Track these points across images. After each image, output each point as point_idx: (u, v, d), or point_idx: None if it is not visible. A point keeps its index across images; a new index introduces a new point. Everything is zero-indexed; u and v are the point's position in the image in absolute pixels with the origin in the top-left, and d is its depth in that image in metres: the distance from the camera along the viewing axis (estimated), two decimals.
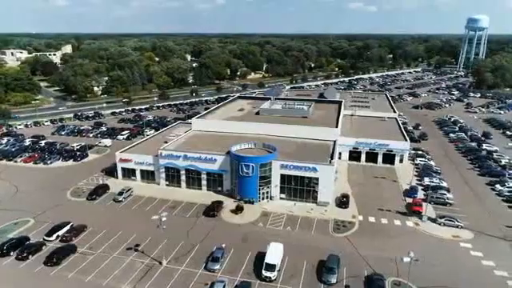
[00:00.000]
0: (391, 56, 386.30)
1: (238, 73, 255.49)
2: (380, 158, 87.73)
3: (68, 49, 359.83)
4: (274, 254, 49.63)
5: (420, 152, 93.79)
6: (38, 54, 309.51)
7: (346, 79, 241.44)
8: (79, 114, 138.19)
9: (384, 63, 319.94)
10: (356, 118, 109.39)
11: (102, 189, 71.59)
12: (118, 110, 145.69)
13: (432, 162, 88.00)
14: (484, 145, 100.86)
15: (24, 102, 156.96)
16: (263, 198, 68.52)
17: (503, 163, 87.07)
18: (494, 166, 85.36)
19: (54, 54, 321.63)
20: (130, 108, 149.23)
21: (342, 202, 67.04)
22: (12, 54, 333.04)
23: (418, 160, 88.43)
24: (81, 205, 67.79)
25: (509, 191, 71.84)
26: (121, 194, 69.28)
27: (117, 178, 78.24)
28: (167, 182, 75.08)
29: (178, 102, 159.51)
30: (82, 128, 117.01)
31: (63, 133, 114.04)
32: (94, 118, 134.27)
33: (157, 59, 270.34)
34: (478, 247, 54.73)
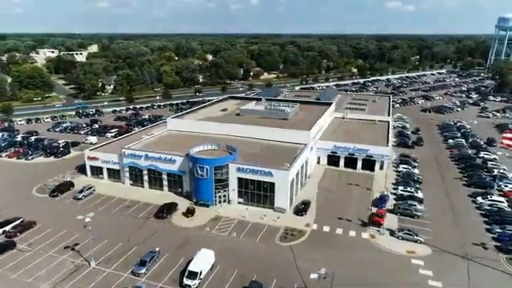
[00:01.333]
0: (418, 57, 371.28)
1: (252, 73, 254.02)
2: (359, 164, 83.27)
3: (94, 48, 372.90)
4: (201, 261, 47.60)
5: (405, 159, 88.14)
6: (64, 53, 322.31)
7: (361, 80, 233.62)
8: (81, 111, 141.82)
9: (406, 64, 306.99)
10: (346, 121, 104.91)
11: (65, 186, 72.29)
12: (118, 108, 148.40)
13: (416, 170, 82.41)
14: (482, 152, 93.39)
15: (35, 99, 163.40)
16: (220, 202, 66.57)
17: (495, 173, 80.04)
18: (485, 176, 78.65)
19: (81, 54, 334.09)
20: (131, 106, 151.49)
21: (300, 209, 63.82)
22: (44, 53, 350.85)
23: (401, 167, 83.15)
24: (42, 201, 68.72)
25: (490, 205, 65.68)
26: (81, 191, 69.66)
27: (86, 175, 79.06)
28: (131, 182, 74.78)
29: (179, 102, 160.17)
30: (75, 125, 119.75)
31: (58, 129, 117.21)
32: (93, 116, 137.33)
33: (176, 58, 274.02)
34: (431, 265, 50.05)
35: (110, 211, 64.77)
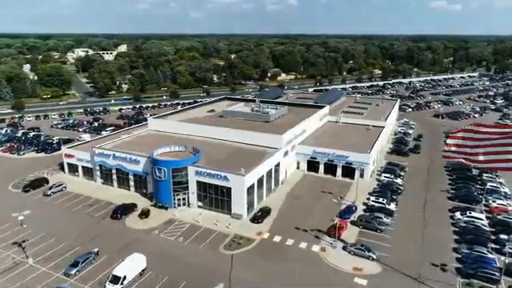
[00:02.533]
0: (451, 59, 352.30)
1: (269, 74, 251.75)
2: (339, 171, 79.22)
3: (123, 48, 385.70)
4: (128, 265, 46.69)
5: (391, 167, 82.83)
6: (94, 52, 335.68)
7: (381, 83, 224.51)
8: (88, 109, 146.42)
9: (436, 66, 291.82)
10: (339, 125, 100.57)
11: (39, 182, 74.20)
12: (125, 107, 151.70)
13: (399, 180, 77.15)
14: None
15: (52, 96, 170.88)
16: (179, 205, 65.50)
17: (488, 187, 73.19)
18: (474, 190, 72.15)
19: (110, 53, 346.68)
20: (137, 105, 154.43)
21: (257, 216, 61.39)
22: (77, 53, 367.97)
23: (383, 176, 78.21)
24: (13, 195, 70.90)
25: (466, 221, 59.93)
26: (50, 188, 71.20)
27: (65, 172, 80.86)
28: (102, 181, 75.51)
29: (186, 102, 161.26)
30: (76, 123, 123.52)
31: (60, 126, 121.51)
32: (99, 114, 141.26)
33: (200, 58, 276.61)
34: (374, 285, 46.14)
35: (71, 209, 65.61)
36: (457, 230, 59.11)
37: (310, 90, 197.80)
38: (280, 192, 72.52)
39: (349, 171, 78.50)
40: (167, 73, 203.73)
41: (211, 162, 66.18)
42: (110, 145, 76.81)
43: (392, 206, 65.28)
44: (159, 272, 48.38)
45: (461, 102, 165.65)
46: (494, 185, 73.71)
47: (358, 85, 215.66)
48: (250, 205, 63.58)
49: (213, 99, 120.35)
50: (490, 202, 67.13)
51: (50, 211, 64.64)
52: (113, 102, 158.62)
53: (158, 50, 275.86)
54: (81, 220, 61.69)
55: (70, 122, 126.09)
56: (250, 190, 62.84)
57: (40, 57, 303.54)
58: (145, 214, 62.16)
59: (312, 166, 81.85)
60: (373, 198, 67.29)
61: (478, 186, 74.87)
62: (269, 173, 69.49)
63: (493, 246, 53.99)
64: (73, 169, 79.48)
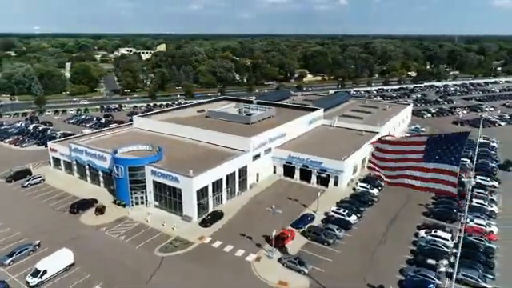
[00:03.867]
0: (503, 61, 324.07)
1: (296, 74, 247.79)
2: (314, 178, 75.61)
3: (162, 47, 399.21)
4: (52, 260, 47.76)
5: (372, 176, 77.48)
6: (133, 52, 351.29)
7: (411, 86, 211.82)
8: (104, 106, 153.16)
9: (481, 69, 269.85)
10: (332, 130, 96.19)
11: (22, 173, 78.54)
12: (139, 105, 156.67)
13: (375, 190, 71.95)
14: (480, 177, 77.76)
15: (79, 93, 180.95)
16: (137, 203, 66.10)
17: (473, 203, 66.02)
18: (455, 206, 65.36)
19: (148, 52, 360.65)
20: (151, 103, 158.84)
21: (206, 220, 60.27)
22: (120, 52, 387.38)
23: (359, 185, 73.43)
24: None
25: (428, 241, 54.39)
26: (28, 180, 75.13)
27: (51, 165, 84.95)
28: (79, 175, 78.36)
29: (200, 101, 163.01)
30: (86, 118, 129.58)
31: (71, 121, 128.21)
32: (113, 111, 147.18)
33: (237, 58, 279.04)
34: None
35: (39, 201, 68.64)
36: (414, 248, 53.94)
37: (331, 91, 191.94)
38: (245, 196, 70.64)
39: (323, 178, 74.76)
40: (189, 72, 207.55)
41: (172, 162, 66.10)
42: (87, 141, 79.57)
43: (352, 219, 60.96)
44: (85, 269, 49.02)
45: (492, 109, 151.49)
46: (482, 202, 66.23)
47: (385, 87, 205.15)
48: (203, 207, 62.58)
49: (212, 99, 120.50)
50: (468, 220, 60.41)
51: (18, 201, 68.26)
52: (128, 99, 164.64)
53: (190, 50, 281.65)
54: (42, 212, 64.36)
55: (82, 117, 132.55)
56: (203, 192, 61.87)
57: (75, 55, 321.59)
58: (99, 210, 63.40)
59: (289, 171, 78.91)
60: (334, 209, 63.35)
61: (465, 202, 67.70)
62: (231, 176, 68.02)
63: (445, 269, 48.48)
64: (57, 162, 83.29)
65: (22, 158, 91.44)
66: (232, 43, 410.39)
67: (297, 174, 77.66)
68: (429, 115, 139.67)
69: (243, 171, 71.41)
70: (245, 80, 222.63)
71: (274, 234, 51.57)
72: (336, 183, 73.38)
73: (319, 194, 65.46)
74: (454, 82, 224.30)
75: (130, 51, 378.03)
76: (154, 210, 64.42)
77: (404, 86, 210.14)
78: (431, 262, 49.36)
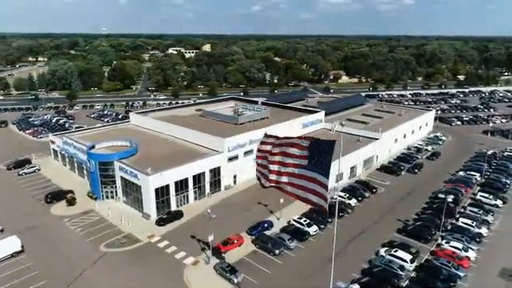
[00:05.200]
0: None
1: (331, 76, 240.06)
2: None
3: (207, 47, 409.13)
4: None
5: (354, 185, 72.17)
6: (177, 52, 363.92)
7: (453, 90, 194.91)
8: (130, 102, 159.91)
9: None
10: (331, 134, 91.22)
11: (22, 162, 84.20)
12: (162, 102, 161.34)
13: (353, 201, 66.66)
14: (481, 194, 68.97)
15: (115, 90, 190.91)
16: (107, 197, 67.66)
17: (460, 223, 58.61)
18: (435, 225, 58.35)
19: (192, 52, 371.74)
20: (173, 101, 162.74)
21: (162, 218, 59.98)
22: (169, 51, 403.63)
23: (336, 194, 68.36)
24: None
25: (382, 261, 49.05)
26: (23, 169, 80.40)
27: (51, 156, 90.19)
28: (69, 167, 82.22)
29: (207, 100, 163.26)
30: (106, 114, 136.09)
31: (92, 116, 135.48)
32: (137, 108, 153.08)
33: (277, 59, 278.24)
34: None
35: (25, 189, 72.92)
36: (365, 267, 49.03)
37: (362, 94, 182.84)
38: (216, 197, 69.32)
39: None
40: (219, 72, 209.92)
41: (144, 159, 66.74)
42: (81, 135, 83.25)
43: (312, 229, 57.02)
44: (30, 257, 51.07)
45: None
46: (469, 222, 58.52)
47: (422, 92, 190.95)
48: (164, 206, 62.33)
49: (218, 98, 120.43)
50: (443, 242, 53.71)
51: (6, 188, 73.12)
52: (152, 96, 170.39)
53: (227, 50, 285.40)
54: (21, 200, 68.21)
55: (105, 112, 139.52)
56: (163, 190, 61.65)
57: (127, 54, 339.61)
58: (69, 201, 65.79)
59: None
60: (295, 217, 59.74)
61: (451, 221, 60.41)
62: (200, 176, 67.11)
63: None
64: (56, 154, 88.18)
65: (32, 148, 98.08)
66: (277, 43, 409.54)
67: None
68: (458, 123, 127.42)
69: (216, 172, 70.13)
70: (275, 81, 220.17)
71: (210, 238, 49.83)
72: None
73: (282, 200, 62.11)
74: (505, 88, 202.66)
75: (178, 51, 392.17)
76: (122, 206, 65.60)
77: (445, 91, 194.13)
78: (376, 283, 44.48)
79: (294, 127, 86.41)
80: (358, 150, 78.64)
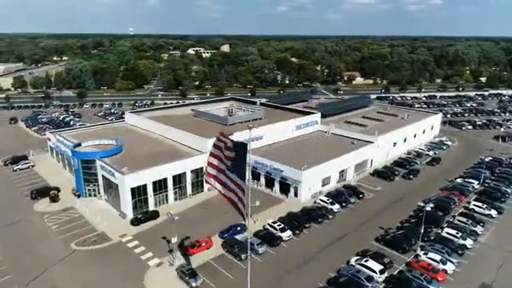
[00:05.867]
0: None
1: (345, 77, 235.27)
2: (277, 185, 70.57)
3: (226, 48, 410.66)
4: None
5: (341, 190, 69.66)
6: (195, 52, 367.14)
7: (472, 93, 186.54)
8: (138, 101, 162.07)
9: None
10: (326, 136, 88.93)
11: (18, 158, 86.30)
12: (169, 102, 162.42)
13: (335, 206, 64.26)
14: (474, 202, 64.93)
15: (125, 89, 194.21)
16: (90, 195, 68.23)
17: (443, 233, 55.31)
18: (415, 234, 55.18)
19: (209, 52, 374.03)
20: (181, 101, 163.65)
21: (137, 218, 59.78)
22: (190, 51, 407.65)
23: (319, 199, 66.42)
24: None
25: (350, 270, 46.81)
26: (18, 165, 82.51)
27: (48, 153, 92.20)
28: (62, 164, 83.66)
29: (207, 100, 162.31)
30: (112, 112, 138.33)
31: (99, 114, 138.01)
32: (144, 106, 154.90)
33: (293, 59, 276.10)
34: None
35: (15, 185, 74.66)
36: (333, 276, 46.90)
37: (373, 96, 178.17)
38: (198, 198, 68.66)
39: (286, 187, 69.38)
40: (230, 72, 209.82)
41: (126, 158, 67.07)
42: (75, 133, 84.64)
43: (285, 235, 55.30)
44: (1, 253, 51.89)
45: None
46: (453, 233, 55.13)
47: (438, 94, 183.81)
48: (141, 206, 62.17)
49: (218, 99, 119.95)
50: (421, 254, 50.76)
51: None
52: (160, 96, 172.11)
53: (242, 50, 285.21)
54: (8, 195, 69.70)
55: (112, 111, 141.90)
56: (140, 190, 61.49)
57: (147, 54, 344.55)
58: (52, 198, 66.72)
59: (257, 177, 74.66)
60: (270, 221, 58.15)
61: (437, 231, 57.15)
62: (180, 176, 66.64)
63: None
64: (52, 151, 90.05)
65: (34, 144, 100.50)
66: (296, 44, 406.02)
67: (262, 181, 73.29)
68: (470, 127, 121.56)
69: (198, 173, 69.47)
70: (286, 81, 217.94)
71: (173, 240, 49.16)
72: (296, 194, 67.49)
73: (257, 203, 60.68)
74: None
75: (196, 51, 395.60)
76: (103, 204, 66.06)
77: (462, 94, 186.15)
78: None
79: (286, 129, 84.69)
80: (348, 153, 75.87)
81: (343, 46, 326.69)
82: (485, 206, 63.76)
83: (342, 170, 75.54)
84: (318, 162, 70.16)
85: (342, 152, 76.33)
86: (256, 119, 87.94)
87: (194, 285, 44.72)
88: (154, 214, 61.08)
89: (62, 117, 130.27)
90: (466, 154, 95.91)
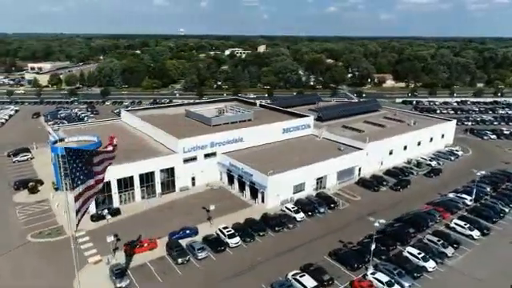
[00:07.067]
0: None
1: (376, 80, 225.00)
2: (247, 190, 68.56)
3: (262, 48, 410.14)
4: None
5: (314, 199, 66.02)
6: (230, 52, 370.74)
7: (510, 99, 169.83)
8: (157, 100, 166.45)
9: None
10: (317, 140, 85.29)
11: (20, 151, 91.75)
12: (186, 101, 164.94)
13: (299, 215, 60.93)
14: (458, 221, 58.48)
15: (151, 87, 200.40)
16: (67, 189, 70.35)
17: (405, 253, 50.27)
18: (368, 251, 50.70)
19: (244, 52, 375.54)
20: (198, 100, 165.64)
21: (96, 214, 60.85)
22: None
23: (284, 206, 63.47)
24: None
25: (281, 285, 43.91)
26: (17, 156, 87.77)
27: None
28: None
29: (210, 100, 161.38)
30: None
31: (115, 112, 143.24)
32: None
33: (329, 60, 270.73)
34: None
35: (8, 175, 79.18)
36: None
37: (398, 100, 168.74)
38: (167, 198, 68.67)
39: (254, 192, 67.27)
40: (253, 72, 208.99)
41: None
42: (69, 128, 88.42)
43: (233, 241, 53.29)
44: None
45: None
46: (415, 253, 49.89)
47: (473, 100, 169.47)
48: (105, 202, 63.21)
49: (221, 99, 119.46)
50: (369, 273, 46.47)
51: None
52: (178, 95, 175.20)
53: (273, 51, 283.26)
54: None
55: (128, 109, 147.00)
56: (104, 186, 61.99)
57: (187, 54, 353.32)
58: (30, 190, 69.95)
59: (232, 179, 73.18)
60: (221, 226, 56.35)
61: (401, 248, 52.20)
62: (149, 175, 66.93)
63: None
64: None
65: (46, 137, 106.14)
66: (338, 45, 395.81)
67: (236, 184, 71.63)
68: (493, 136, 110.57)
69: (169, 172, 69.38)
70: (311, 83, 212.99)
71: (108, 239, 49.34)
72: (263, 199, 65.09)
73: (212, 207, 59.19)
74: None
75: (232, 51, 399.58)
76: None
77: (501, 100, 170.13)
78: None
79: (271, 131, 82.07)
80: (328, 159, 71.81)
81: (381, 47, 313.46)
82: (467, 225, 57.23)
83: (320, 177, 71.68)
84: (293, 167, 67.28)
85: (324, 158, 72.64)
86: (245, 121, 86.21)
87: (118, 285, 44.43)
88: (115, 212, 61.77)
89: (79, 113, 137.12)
90: (475, 166, 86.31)
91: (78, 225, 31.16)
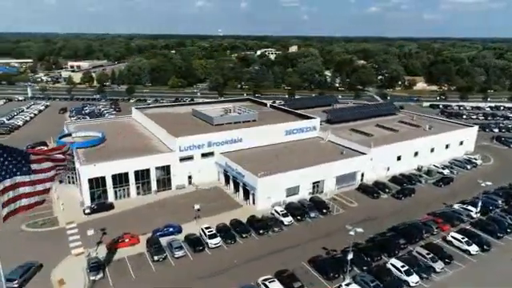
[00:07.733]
0: None
1: (406, 82, 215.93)
2: (241, 190, 67.98)
3: (294, 49, 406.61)
4: None
5: (308, 202, 64.16)
6: (261, 52, 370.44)
7: None
8: (179, 98, 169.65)
9: None
10: (322, 143, 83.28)
11: (38, 144, 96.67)
12: (208, 100, 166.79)
13: (287, 219, 59.30)
14: (452, 234, 54.52)
15: (177, 86, 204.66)
16: (69, 182, 73.40)
17: (389, 264, 47.47)
18: (346, 259, 48.37)
19: (272, 53, 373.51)
20: (207, 99, 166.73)
21: (89, 207, 62.78)
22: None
23: (274, 209, 62.13)
24: None
25: None
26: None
27: None
28: None
29: (223, 99, 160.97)
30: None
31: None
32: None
33: (361, 62, 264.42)
34: None
35: None
36: None
37: (425, 104, 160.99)
38: (162, 195, 69.52)
39: (247, 193, 66.56)
40: (278, 73, 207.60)
41: (101, 150, 71.13)
42: (81, 124, 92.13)
43: (214, 241, 52.91)
44: None
45: None
46: (398, 265, 46.99)
47: (506, 105, 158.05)
48: (100, 196, 65.03)
49: (235, 99, 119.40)
50: (344, 284, 44.31)
51: None
52: (199, 94, 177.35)
53: (302, 51, 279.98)
54: None
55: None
56: (98, 182, 64.32)
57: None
58: None
59: (228, 179, 72.90)
60: (204, 226, 56.06)
61: (387, 259, 49.47)
62: (145, 172, 68.12)
63: None
64: None
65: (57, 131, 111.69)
66: (374, 46, 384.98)
67: (231, 184, 71.26)
68: (505, 147, 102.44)
69: (165, 170, 70.23)
70: (336, 84, 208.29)
71: (89, 233, 50.64)
72: (254, 201, 64.23)
73: (197, 206, 59.12)
74: None
75: (263, 52, 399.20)
76: (76, 191, 70.65)
77: None
78: None
79: (272, 133, 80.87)
80: (325, 163, 69.61)
81: (421, 49, 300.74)
82: (465, 239, 53.23)
83: (317, 181, 69.59)
84: (288, 170, 65.92)
85: (324, 161, 70.62)
86: (247, 121, 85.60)
87: (91, 278, 45.44)
88: (108, 206, 63.41)
89: (102, 109, 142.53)
90: (493, 176, 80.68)
91: (4, 219, 29.95)
